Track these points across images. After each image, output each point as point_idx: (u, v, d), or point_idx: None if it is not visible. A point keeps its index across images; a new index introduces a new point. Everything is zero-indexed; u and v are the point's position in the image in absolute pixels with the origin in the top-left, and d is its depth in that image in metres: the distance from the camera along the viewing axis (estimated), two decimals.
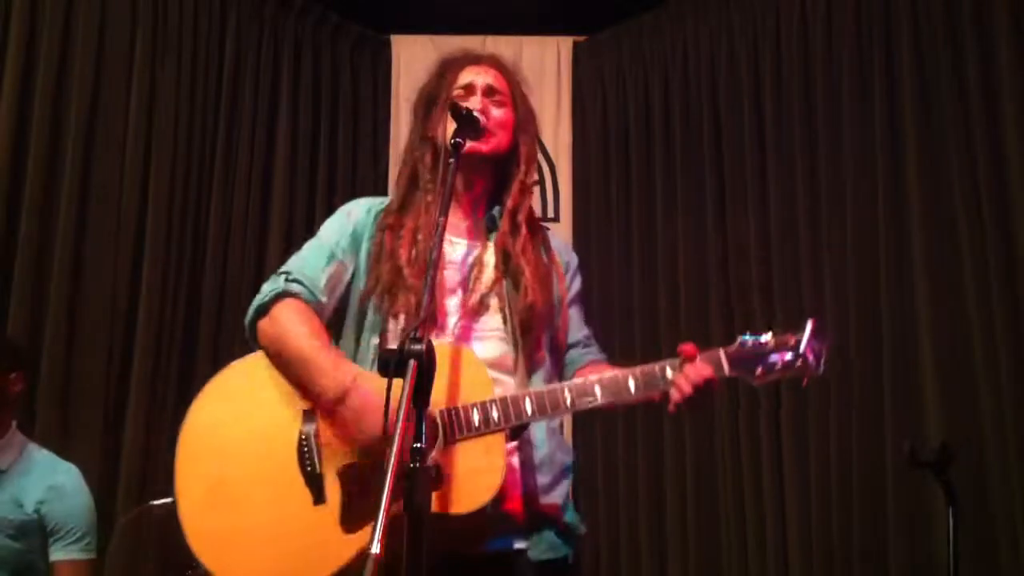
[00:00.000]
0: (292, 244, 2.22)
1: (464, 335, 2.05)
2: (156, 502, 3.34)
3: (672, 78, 4.96)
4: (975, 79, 3.83)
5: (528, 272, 2.10)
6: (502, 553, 1.97)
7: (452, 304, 2.08)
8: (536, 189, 4.83)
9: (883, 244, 4.02)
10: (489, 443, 1.88)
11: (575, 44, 5.36)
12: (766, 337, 1.95)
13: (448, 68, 2.25)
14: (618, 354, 4.70)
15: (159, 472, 3.72)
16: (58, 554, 3.17)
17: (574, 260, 2.34)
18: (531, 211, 2.24)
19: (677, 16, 5.01)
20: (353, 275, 2.14)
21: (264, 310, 2.05)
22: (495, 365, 2.02)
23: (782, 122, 4.48)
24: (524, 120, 2.23)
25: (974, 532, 3.41)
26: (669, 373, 1.93)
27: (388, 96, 5.31)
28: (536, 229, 2.24)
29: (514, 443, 1.97)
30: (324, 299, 2.09)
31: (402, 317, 2.02)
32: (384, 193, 2.81)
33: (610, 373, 1.97)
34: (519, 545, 1.99)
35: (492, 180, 2.21)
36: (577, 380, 1.98)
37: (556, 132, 5.21)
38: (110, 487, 3.95)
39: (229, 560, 1.88)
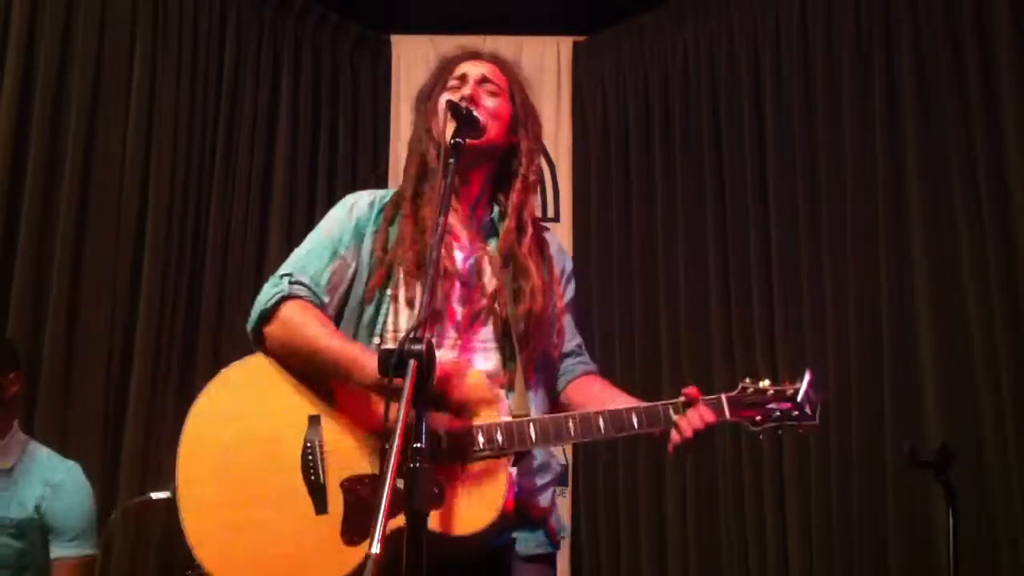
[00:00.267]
0: (292, 244, 2.20)
1: (463, 347, 2.04)
2: (155, 495, 3.35)
3: (672, 78, 4.96)
4: (975, 79, 3.83)
5: (530, 279, 2.09)
6: (494, 548, 1.97)
7: (454, 313, 2.06)
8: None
9: (883, 244, 4.02)
10: (491, 469, 1.88)
11: (575, 44, 5.36)
12: (765, 383, 2.03)
13: (448, 63, 2.25)
14: (618, 353, 4.80)
15: (159, 472, 3.72)
16: (58, 551, 3.17)
17: (569, 265, 2.32)
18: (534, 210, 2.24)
19: (677, 16, 5.01)
20: (355, 271, 2.12)
21: (269, 315, 2.02)
22: (492, 378, 2.01)
23: (782, 122, 4.48)
24: (523, 116, 2.21)
25: (974, 532, 3.40)
26: (672, 414, 1.98)
27: (388, 96, 5.31)
28: (539, 229, 2.23)
29: (514, 468, 1.97)
30: (327, 299, 2.08)
31: (417, 302, 1.98)
32: None
33: (613, 406, 2.00)
34: (509, 539, 2.01)
35: (489, 176, 2.19)
36: (580, 413, 1.99)
37: (556, 132, 5.21)
38: (110, 487, 3.95)
39: (229, 563, 1.87)
